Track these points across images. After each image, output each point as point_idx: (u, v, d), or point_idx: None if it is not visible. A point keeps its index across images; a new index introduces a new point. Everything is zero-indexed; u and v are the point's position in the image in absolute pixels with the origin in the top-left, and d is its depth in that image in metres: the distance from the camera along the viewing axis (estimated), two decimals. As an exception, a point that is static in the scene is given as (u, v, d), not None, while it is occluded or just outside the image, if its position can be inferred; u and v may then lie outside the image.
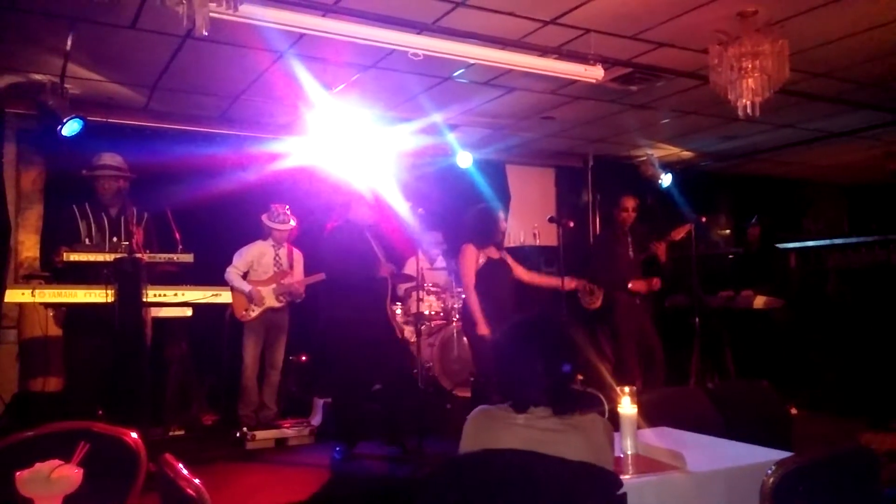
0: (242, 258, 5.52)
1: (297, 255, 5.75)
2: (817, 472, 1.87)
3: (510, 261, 4.91)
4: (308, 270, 5.68)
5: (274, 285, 5.50)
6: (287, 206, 5.68)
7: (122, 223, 4.48)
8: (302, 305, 5.70)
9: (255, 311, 5.45)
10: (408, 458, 4.59)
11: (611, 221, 5.98)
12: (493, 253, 4.80)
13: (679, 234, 5.72)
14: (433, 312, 6.34)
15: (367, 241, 4.87)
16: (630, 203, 5.74)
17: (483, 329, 4.53)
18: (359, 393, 4.91)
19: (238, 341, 5.53)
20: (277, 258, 5.61)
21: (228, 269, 5.44)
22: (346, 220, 4.91)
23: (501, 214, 5.01)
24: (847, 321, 6.66)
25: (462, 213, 5.95)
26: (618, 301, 5.62)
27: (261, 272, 5.53)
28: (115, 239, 4.36)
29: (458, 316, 6.28)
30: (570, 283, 5.01)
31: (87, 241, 4.36)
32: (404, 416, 4.84)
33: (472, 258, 4.65)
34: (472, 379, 6.09)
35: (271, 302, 5.49)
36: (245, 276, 5.50)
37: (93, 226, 4.41)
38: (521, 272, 4.96)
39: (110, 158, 4.61)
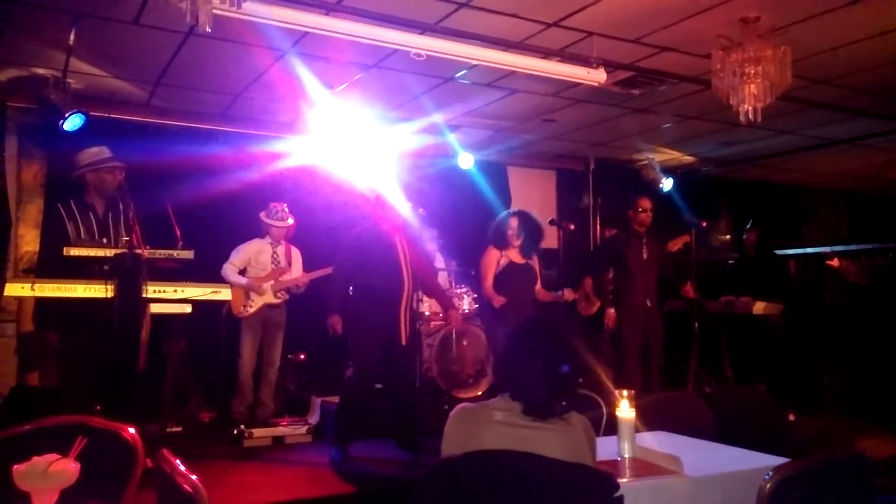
0: (239, 255, 5.51)
1: (296, 253, 5.75)
2: (814, 478, 1.87)
3: (537, 269, 5.22)
4: (313, 267, 5.67)
5: (272, 282, 5.50)
6: (285, 205, 5.68)
7: (110, 222, 4.36)
8: (300, 304, 5.69)
9: (252, 308, 5.44)
10: (413, 462, 4.55)
11: (624, 224, 5.88)
12: (517, 258, 5.00)
13: (675, 245, 5.69)
14: (432, 313, 6.34)
15: (394, 247, 4.76)
16: (647, 203, 5.63)
17: (497, 301, 4.95)
18: (365, 394, 4.87)
19: (235, 338, 5.53)
20: (275, 256, 5.60)
21: (225, 266, 5.42)
22: (376, 224, 4.84)
23: (512, 221, 5.10)
24: (845, 328, 6.66)
25: (463, 214, 5.99)
26: (626, 305, 5.56)
27: (259, 269, 5.53)
28: (104, 240, 4.27)
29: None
30: (570, 295, 5.17)
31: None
32: (414, 420, 4.82)
33: (492, 258, 5.09)
34: (469, 379, 6.12)
35: (269, 298, 5.49)
36: (242, 273, 5.49)
37: (81, 227, 4.25)
38: (538, 287, 5.23)
39: (105, 151, 4.50)
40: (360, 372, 4.74)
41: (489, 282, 5.08)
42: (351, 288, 4.87)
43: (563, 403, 1.99)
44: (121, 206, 4.37)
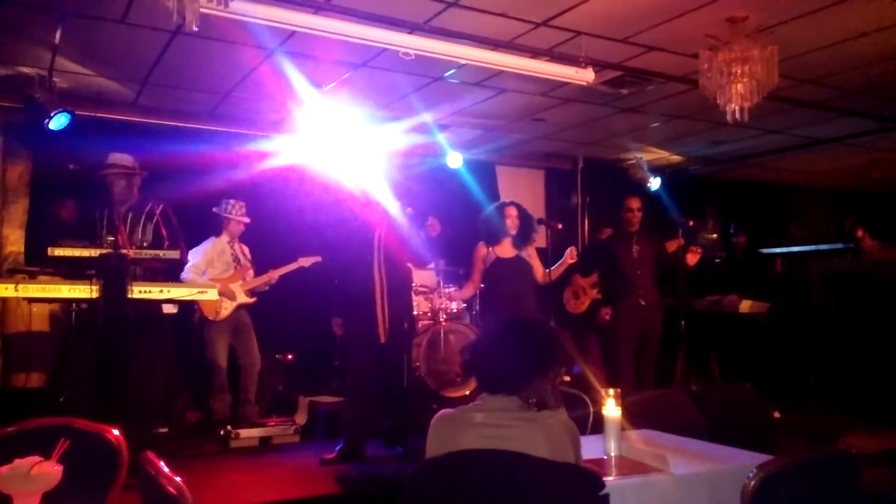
0: (202, 256, 5.38)
1: (247, 250, 5.73)
2: (798, 475, 1.88)
3: (534, 261, 5.19)
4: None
5: (241, 281, 5.46)
6: (242, 203, 5.64)
7: (139, 226, 4.60)
8: (291, 304, 5.66)
9: (226, 311, 5.39)
10: (403, 457, 4.54)
11: (616, 224, 5.92)
12: (506, 252, 4.98)
13: (671, 246, 5.72)
14: (421, 312, 6.34)
15: (369, 246, 4.72)
16: (635, 203, 5.63)
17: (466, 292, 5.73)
18: (369, 396, 4.85)
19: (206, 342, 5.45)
20: (235, 254, 5.56)
21: (187, 269, 5.24)
22: (363, 223, 4.77)
23: (510, 210, 5.13)
24: (831, 326, 6.71)
25: (452, 214, 5.97)
26: (620, 305, 5.55)
27: (221, 269, 5.45)
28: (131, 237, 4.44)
29: (445, 316, 6.29)
30: (571, 256, 5.18)
31: (107, 242, 4.37)
32: (403, 418, 4.81)
33: (478, 256, 5.20)
34: (458, 378, 6.12)
35: (242, 299, 5.45)
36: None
37: (104, 230, 4.47)
38: (539, 273, 5.19)
39: (124, 158, 4.70)
40: (358, 374, 4.70)
41: (474, 276, 5.27)
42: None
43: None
44: (146, 208, 4.71)
